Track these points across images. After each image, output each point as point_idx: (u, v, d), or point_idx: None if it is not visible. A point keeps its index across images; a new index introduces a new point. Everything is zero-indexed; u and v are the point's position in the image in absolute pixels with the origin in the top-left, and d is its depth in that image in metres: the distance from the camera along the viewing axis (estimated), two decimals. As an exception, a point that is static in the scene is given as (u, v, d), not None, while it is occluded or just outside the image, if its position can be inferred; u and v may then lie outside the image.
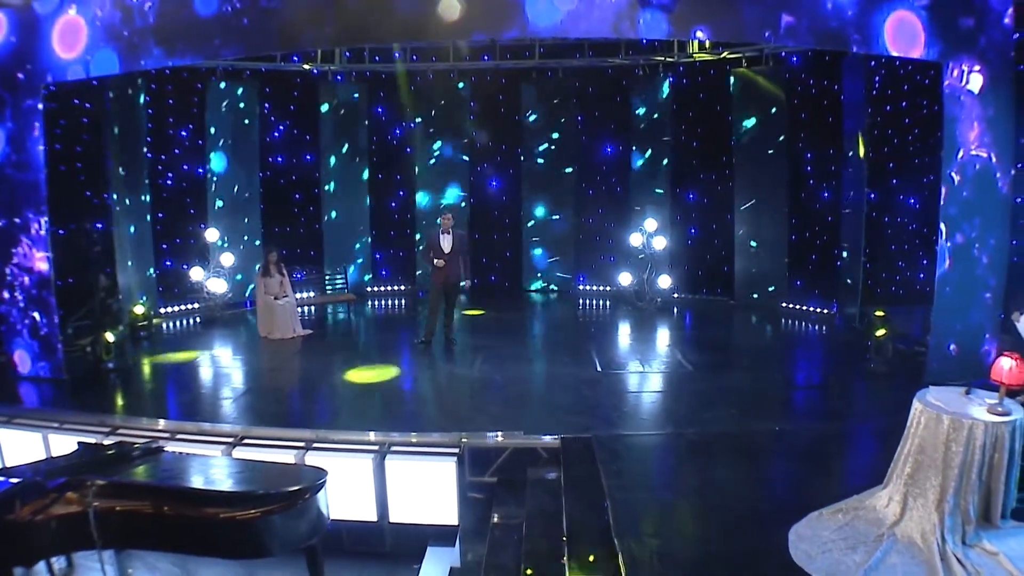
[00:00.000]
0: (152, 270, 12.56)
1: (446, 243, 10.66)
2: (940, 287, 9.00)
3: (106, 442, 6.44)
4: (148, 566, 6.28)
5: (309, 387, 9.81)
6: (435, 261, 10.65)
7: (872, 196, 12.21)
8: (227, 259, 12.84)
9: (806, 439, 7.82)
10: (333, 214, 14.82)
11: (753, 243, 13.93)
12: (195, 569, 6.25)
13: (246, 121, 13.70)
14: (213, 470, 5.95)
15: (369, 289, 15.24)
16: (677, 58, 13.89)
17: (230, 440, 6.91)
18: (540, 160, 15.10)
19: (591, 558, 5.46)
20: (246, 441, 6.92)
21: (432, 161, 15.15)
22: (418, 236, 14.92)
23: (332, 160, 14.71)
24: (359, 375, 9.93)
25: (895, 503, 5.82)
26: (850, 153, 12.56)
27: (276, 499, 5.37)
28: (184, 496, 5.43)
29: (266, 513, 5.28)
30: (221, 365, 10.61)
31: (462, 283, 11.00)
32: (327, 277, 14.43)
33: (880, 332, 10.05)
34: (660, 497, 6.43)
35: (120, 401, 9.06)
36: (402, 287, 15.43)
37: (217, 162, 13.38)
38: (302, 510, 5.45)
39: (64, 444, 6.84)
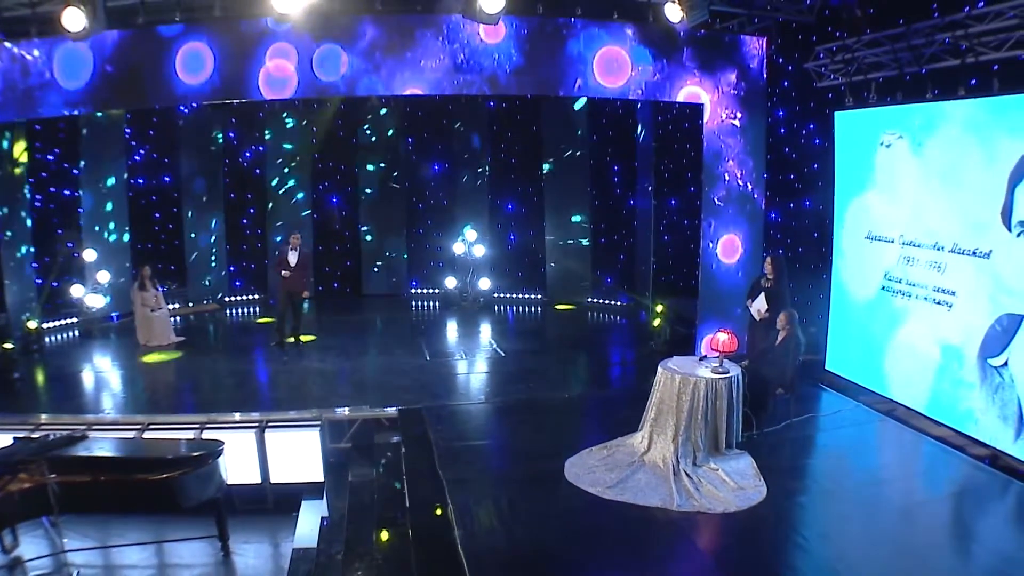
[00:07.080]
0: (32, 288, 12.70)
1: (293, 258, 12.22)
2: (704, 283, 10.74)
3: (36, 435, 7.37)
4: (80, 535, 7.11)
5: (192, 383, 11.08)
6: (283, 272, 12.21)
7: (670, 202, 14.08)
8: (103, 276, 13.41)
9: (589, 402, 10.05)
10: (192, 232, 15.53)
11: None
12: (119, 532, 7.21)
13: (112, 145, 14.13)
14: (134, 445, 7.30)
15: (226, 299, 16.07)
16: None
17: (139, 427, 7.89)
18: (376, 178, 16.38)
19: (424, 486, 7.37)
20: (152, 426, 7.94)
21: (278, 181, 16.18)
22: (270, 250, 15.87)
23: (189, 181, 15.36)
24: (231, 370, 11.32)
25: (645, 440, 7.81)
26: (644, 165, 14.40)
27: (187, 462, 6.82)
28: (116, 465, 6.75)
29: (182, 474, 6.71)
30: (114, 370, 11.50)
31: (304, 292, 12.62)
32: (191, 289, 15.45)
33: (657, 321, 12.19)
34: (472, 444, 8.51)
35: (33, 404, 9.84)
36: (255, 296, 16.30)
37: (86, 184, 13.78)
38: (208, 471, 6.91)
39: (-3, 441, 7.38)
